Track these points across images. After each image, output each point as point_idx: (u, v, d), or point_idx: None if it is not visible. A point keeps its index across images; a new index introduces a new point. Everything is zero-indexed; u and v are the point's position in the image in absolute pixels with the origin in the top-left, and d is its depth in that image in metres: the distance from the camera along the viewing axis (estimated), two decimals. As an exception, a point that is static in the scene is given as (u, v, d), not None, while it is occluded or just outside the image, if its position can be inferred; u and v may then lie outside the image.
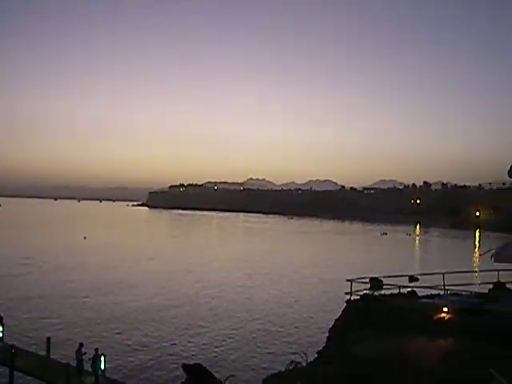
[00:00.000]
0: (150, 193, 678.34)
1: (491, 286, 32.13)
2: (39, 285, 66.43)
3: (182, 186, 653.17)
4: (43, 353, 32.81)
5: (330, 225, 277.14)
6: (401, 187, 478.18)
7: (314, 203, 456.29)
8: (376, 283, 37.28)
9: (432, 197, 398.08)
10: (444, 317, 24.91)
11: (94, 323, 47.54)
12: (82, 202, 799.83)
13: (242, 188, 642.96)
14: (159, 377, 34.11)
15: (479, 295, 29.13)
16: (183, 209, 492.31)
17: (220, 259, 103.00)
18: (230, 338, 44.46)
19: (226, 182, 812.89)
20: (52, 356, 32.43)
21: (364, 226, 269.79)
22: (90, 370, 29.15)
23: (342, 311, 29.40)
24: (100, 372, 29.12)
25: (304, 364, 27.25)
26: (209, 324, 48.88)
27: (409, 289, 31.22)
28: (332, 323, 30.04)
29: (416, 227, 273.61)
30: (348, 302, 29.23)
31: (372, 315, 26.79)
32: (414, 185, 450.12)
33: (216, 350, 40.84)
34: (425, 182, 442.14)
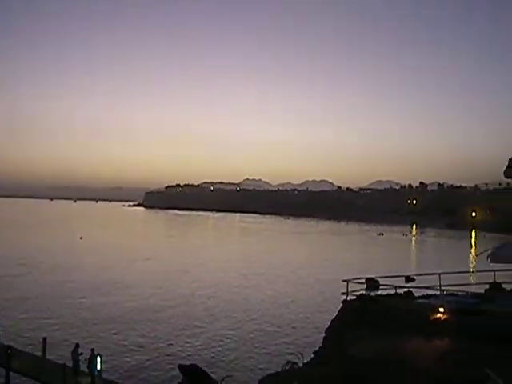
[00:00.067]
0: (147, 193, 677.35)
1: (487, 287, 32.17)
2: (35, 285, 66.32)
3: (178, 186, 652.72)
4: (39, 353, 32.75)
5: (326, 225, 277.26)
6: (397, 188, 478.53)
7: (310, 203, 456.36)
8: (372, 283, 37.27)
9: (428, 197, 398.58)
10: (440, 317, 24.94)
11: (90, 323, 47.49)
12: (79, 202, 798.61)
13: (238, 188, 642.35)
14: (155, 377, 34.08)
15: (475, 295, 29.16)
16: (179, 209, 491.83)
17: (216, 259, 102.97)
18: (227, 338, 44.45)
19: (222, 183, 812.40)
20: (48, 356, 32.37)
21: (360, 226, 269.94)
22: (86, 370, 29.14)
23: (339, 311, 29.40)
24: (96, 372, 29.08)
25: (300, 364, 27.24)
26: (205, 324, 48.86)
27: (405, 289, 31.22)
28: (328, 323, 30.05)
29: (412, 227, 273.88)
30: (344, 302, 29.23)
31: (368, 315, 26.81)
32: (410, 185, 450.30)
33: (212, 350, 40.82)
34: (421, 183, 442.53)
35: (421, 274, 41.07)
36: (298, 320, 51.72)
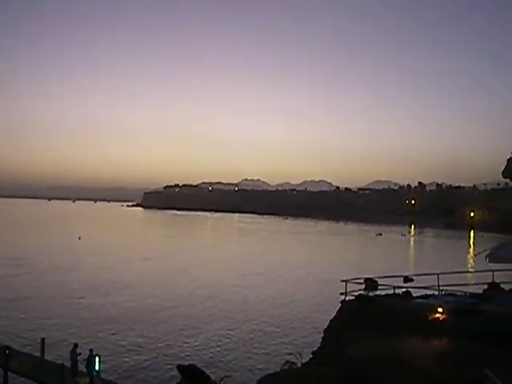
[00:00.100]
0: (145, 193, 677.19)
1: (486, 287, 32.20)
2: (34, 285, 66.29)
3: (176, 186, 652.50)
4: (38, 354, 32.73)
5: (324, 225, 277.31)
6: (396, 188, 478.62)
7: (309, 204, 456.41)
8: (371, 284, 37.27)
9: (427, 197, 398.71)
10: (439, 317, 24.95)
11: (89, 324, 47.46)
12: (77, 202, 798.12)
13: (236, 188, 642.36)
14: (154, 377, 34.08)
15: (474, 295, 29.18)
16: (178, 209, 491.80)
17: (215, 259, 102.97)
18: (225, 338, 44.45)
19: (220, 183, 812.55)
20: (47, 357, 32.35)
21: (359, 226, 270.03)
22: (85, 370, 29.12)
23: (337, 312, 29.41)
24: (95, 373, 29.07)
25: (299, 364, 27.24)
26: (204, 324, 48.85)
27: (403, 289, 31.24)
28: (327, 324, 30.06)
29: (411, 228, 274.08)
30: (343, 302, 29.24)
31: (367, 316, 26.82)
32: (408, 185, 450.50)
33: (211, 350, 40.82)
34: (419, 183, 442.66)
35: (419, 274, 41.06)
36: (296, 320, 51.73)
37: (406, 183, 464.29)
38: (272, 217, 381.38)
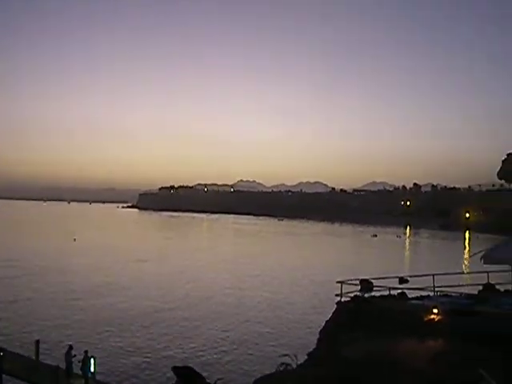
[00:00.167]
0: (140, 194, 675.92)
1: (481, 288, 32.25)
2: (28, 287, 66.09)
3: (172, 187, 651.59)
4: (32, 356, 32.60)
5: (319, 227, 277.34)
6: (391, 189, 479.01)
7: (304, 205, 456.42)
8: (366, 285, 37.27)
9: (422, 198, 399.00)
10: (434, 318, 24.97)
11: (84, 325, 47.35)
12: (72, 203, 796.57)
13: (232, 190, 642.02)
14: (149, 379, 34.01)
15: (469, 296, 29.24)
16: (173, 211, 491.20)
17: (210, 261, 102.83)
18: (221, 340, 44.39)
19: (216, 184, 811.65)
20: (41, 359, 32.24)
21: (354, 227, 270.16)
22: (80, 372, 29.03)
23: (333, 313, 29.41)
24: (90, 374, 28.99)
25: (294, 366, 27.21)
26: (199, 326, 48.78)
27: (399, 290, 31.24)
28: (322, 325, 30.06)
29: (406, 229, 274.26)
30: (338, 303, 29.25)
31: (362, 317, 26.82)
32: (404, 186, 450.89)
33: (206, 352, 40.76)
34: (415, 184, 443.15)
35: (414, 276, 41.10)
36: (292, 321, 51.71)
37: (401, 184, 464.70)
38: (267, 218, 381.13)
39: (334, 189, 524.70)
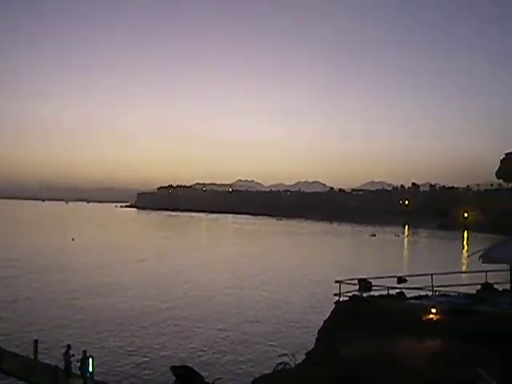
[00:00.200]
0: (139, 194, 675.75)
1: (479, 287, 32.25)
2: (27, 287, 66.06)
3: (170, 187, 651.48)
4: (31, 355, 32.62)
5: (318, 226, 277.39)
6: (389, 188, 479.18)
7: (303, 204, 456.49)
8: (365, 284, 37.25)
9: (420, 198, 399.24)
10: (432, 318, 24.98)
11: (83, 325, 47.34)
12: (70, 203, 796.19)
13: (230, 189, 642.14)
14: (148, 379, 34.02)
15: (467, 296, 29.23)
16: (172, 210, 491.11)
17: (209, 261, 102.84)
18: (219, 339, 44.41)
19: (214, 184, 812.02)
20: (40, 358, 32.25)
21: (352, 227, 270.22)
22: (78, 372, 29.03)
23: (331, 312, 29.40)
24: (88, 374, 29.00)
25: (293, 365, 27.22)
26: (198, 326, 48.79)
27: (397, 290, 31.24)
28: (321, 324, 30.03)
29: (404, 228, 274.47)
30: (337, 303, 29.24)
31: (361, 316, 26.82)
32: (402, 186, 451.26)
33: (205, 351, 40.78)
34: (413, 184, 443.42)
35: (413, 275, 41.10)
36: (290, 321, 51.73)
37: (399, 184, 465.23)
38: (266, 218, 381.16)
39: (332, 188, 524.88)
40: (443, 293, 29.46)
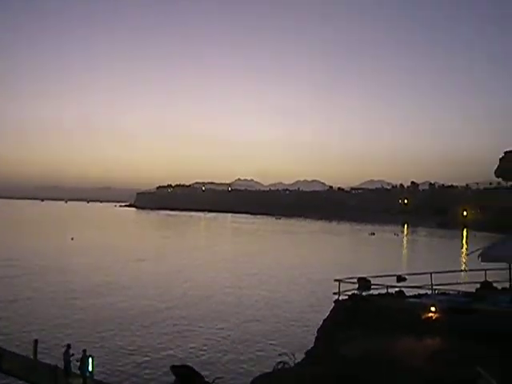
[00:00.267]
0: (138, 193, 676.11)
1: (478, 286, 32.31)
2: (26, 287, 66.01)
3: (169, 186, 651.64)
4: (31, 355, 32.62)
5: (317, 225, 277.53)
6: (389, 187, 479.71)
7: (302, 203, 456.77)
8: (364, 283, 37.36)
9: (419, 197, 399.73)
10: (432, 316, 25.01)
11: (83, 325, 47.31)
12: (70, 202, 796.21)
13: (229, 188, 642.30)
14: (148, 378, 34.00)
15: (466, 294, 29.27)
16: (171, 209, 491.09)
17: (208, 260, 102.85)
18: (219, 339, 44.41)
19: (213, 183, 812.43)
20: (40, 358, 32.25)
21: (352, 226, 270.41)
22: (78, 371, 29.03)
23: (330, 311, 29.42)
24: (88, 374, 29.01)
25: (292, 364, 27.25)
26: (197, 325, 48.78)
27: (397, 288, 31.28)
28: (320, 323, 30.06)
29: (404, 227, 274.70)
30: (336, 302, 29.26)
31: (360, 315, 26.85)
32: (401, 185, 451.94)
33: (205, 351, 40.78)
34: (412, 182, 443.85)
35: (412, 274, 41.22)
36: (289, 320, 51.74)
37: (398, 183, 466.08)
38: (265, 217, 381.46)
39: (331, 187, 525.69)
40: (442, 291, 29.50)
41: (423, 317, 25.10)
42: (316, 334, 30.07)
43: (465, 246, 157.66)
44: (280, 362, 26.92)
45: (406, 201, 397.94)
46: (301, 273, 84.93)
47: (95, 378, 30.02)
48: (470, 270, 40.36)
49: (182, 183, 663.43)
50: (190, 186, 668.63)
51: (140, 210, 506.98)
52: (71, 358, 29.62)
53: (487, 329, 22.81)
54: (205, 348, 41.40)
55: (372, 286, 32.62)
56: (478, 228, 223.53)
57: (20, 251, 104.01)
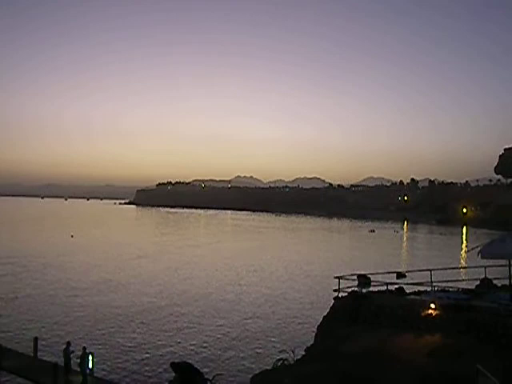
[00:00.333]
0: (138, 191, 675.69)
1: (478, 282, 32.34)
2: (27, 284, 66.08)
3: (169, 183, 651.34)
4: (31, 352, 32.65)
5: (317, 222, 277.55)
6: (388, 184, 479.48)
7: (302, 201, 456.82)
8: (364, 280, 37.44)
9: (419, 194, 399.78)
10: (431, 313, 25.03)
11: (82, 322, 47.36)
12: (70, 200, 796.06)
13: (229, 186, 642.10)
14: (148, 375, 34.03)
15: (466, 291, 29.30)
16: (171, 207, 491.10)
17: (208, 257, 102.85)
18: (219, 335, 44.44)
19: (213, 180, 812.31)
20: (40, 355, 32.28)
21: (351, 223, 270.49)
22: (78, 368, 29.04)
23: (330, 308, 29.46)
24: (88, 371, 29.02)
25: (292, 361, 27.29)
26: (198, 322, 48.82)
27: (396, 285, 31.32)
28: (320, 320, 30.10)
29: (403, 224, 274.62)
30: (336, 299, 29.30)
31: (360, 312, 26.88)
32: (401, 182, 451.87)
33: (204, 347, 40.80)
34: (412, 179, 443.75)
35: (412, 271, 41.32)
36: (289, 317, 51.77)
37: (398, 180, 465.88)
38: (265, 214, 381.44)
39: (331, 184, 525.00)
40: (442, 288, 29.53)
41: (423, 314, 25.13)
42: (316, 331, 30.12)
43: (464, 243, 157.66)
44: (280, 359, 26.99)
45: (405, 198, 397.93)
46: (301, 270, 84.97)
47: (95, 375, 30.04)
48: (470, 267, 40.47)
49: (181, 180, 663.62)
50: (189, 183, 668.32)
51: (140, 208, 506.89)
52: (71, 356, 29.64)
53: (487, 326, 22.82)
54: (205, 345, 41.44)
55: (372, 283, 32.67)
56: (478, 225, 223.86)
57: (20, 249, 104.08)
